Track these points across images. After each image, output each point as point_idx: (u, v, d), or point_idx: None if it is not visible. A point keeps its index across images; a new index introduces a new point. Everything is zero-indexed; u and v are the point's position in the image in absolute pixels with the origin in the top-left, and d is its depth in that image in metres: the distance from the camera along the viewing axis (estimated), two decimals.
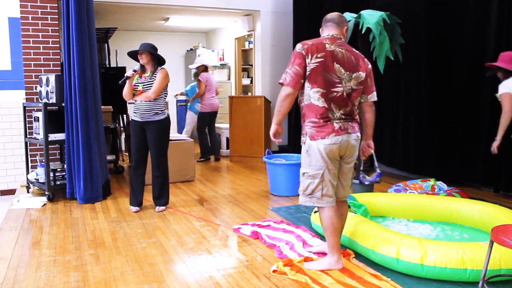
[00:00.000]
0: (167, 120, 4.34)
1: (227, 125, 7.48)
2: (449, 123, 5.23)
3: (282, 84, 2.82)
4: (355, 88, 2.87)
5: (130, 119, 4.39)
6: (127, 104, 6.61)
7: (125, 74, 4.20)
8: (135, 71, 4.23)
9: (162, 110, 4.28)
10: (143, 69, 4.29)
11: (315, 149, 2.80)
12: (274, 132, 2.95)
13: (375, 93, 3.01)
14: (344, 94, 2.83)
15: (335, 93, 2.80)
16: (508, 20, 4.52)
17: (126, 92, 4.24)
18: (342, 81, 2.81)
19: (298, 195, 4.94)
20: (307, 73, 2.78)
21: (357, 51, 2.98)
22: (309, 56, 2.76)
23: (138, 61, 4.29)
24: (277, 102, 2.85)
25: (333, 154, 2.81)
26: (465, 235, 3.55)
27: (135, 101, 4.28)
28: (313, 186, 2.84)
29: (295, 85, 2.78)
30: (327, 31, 2.96)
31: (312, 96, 2.79)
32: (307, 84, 2.80)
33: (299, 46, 2.82)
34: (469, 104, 5.02)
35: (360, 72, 2.89)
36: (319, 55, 2.77)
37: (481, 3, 4.83)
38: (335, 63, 2.80)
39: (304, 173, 2.89)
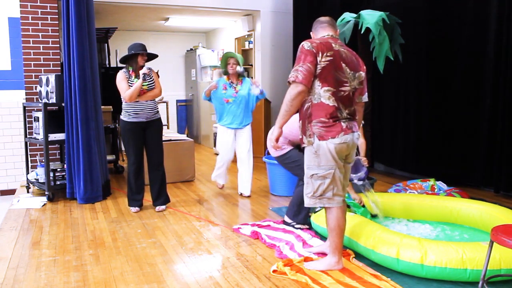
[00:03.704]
0: None
1: None
2: (449, 123, 5.23)
3: (290, 82, 2.72)
4: (357, 88, 2.92)
5: (124, 121, 4.27)
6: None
7: (141, 72, 4.17)
8: (149, 69, 4.25)
9: (158, 109, 4.42)
10: (136, 69, 4.27)
11: (325, 149, 2.77)
12: (278, 136, 2.84)
13: (367, 94, 3.07)
14: (350, 93, 2.85)
15: (342, 92, 2.80)
16: (508, 20, 4.52)
17: (135, 92, 4.14)
18: (348, 81, 2.83)
19: None
20: (318, 71, 2.73)
21: (354, 52, 2.99)
22: (320, 54, 2.72)
23: (127, 64, 4.27)
24: (286, 102, 2.72)
25: (342, 153, 2.82)
26: (465, 235, 3.55)
27: (137, 101, 4.22)
28: (324, 187, 2.81)
29: (308, 83, 2.70)
30: (324, 31, 2.94)
31: (323, 95, 2.76)
32: (317, 83, 2.76)
33: (307, 44, 2.75)
34: (469, 104, 5.01)
35: (361, 72, 2.94)
36: (328, 54, 2.74)
37: (481, 3, 4.82)
38: (342, 62, 2.80)
39: (312, 174, 2.83)
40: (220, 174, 5.16)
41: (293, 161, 3.76)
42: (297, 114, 3.79)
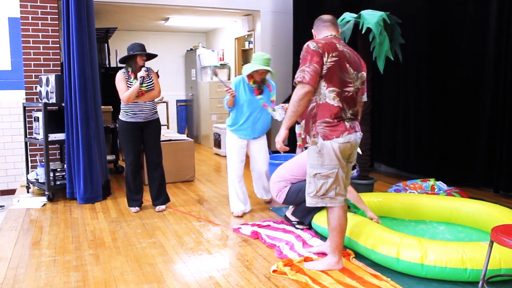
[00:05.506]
0: None
1: None
2: (449, 123, 5.23)
3: (297, 83, 2.73)
4: (359, 88, 2.93)
5: (122, 121, 4.27)
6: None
7: (139, 75, 4.16)
8: (146, 70, 4.25)
9: (156, 109, 4.42)
10: (136, 70, 4.26)
11: (329, 148, 2.77)
12: (285, 138, 2.87)
13: (366, 94, 3.08)
14: (354, 93, 2.86)
15: (347, 93, 2.81)
16: (508, 20, 4.52)
17: (133, 94, 4.14)
18: (352, 81, 2.84)
19: None
20: (323, 72, 2.74)
21: (355, 52, 3.00)
22: (326, 55, 2.73)
23: (127, 65, 4.26)
24: (293, 102, 2.73)
25: (345, 153, 2.83)
26: (462, 234, 3.55)
27: (136, 102, 4.21)
28: (326, 186, 2.82)
29: (315, 83, 2.71)
30: (327, 31, 2.93)
31: (328, 95, 2.77)
32: (322, 83, 2.76)
33: (313, 44, 2.75)
34: (469, 104, 5.01)
35: (363, 72, 2.95)
36: (333, 54, 2.75)
37: (481, 3, 4.82)
38: (346, 62, 2.81)
39: (315, 174, 2.84)
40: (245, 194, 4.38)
41: (297, 192, 3.71)
42: (299, 160, 3.82)
